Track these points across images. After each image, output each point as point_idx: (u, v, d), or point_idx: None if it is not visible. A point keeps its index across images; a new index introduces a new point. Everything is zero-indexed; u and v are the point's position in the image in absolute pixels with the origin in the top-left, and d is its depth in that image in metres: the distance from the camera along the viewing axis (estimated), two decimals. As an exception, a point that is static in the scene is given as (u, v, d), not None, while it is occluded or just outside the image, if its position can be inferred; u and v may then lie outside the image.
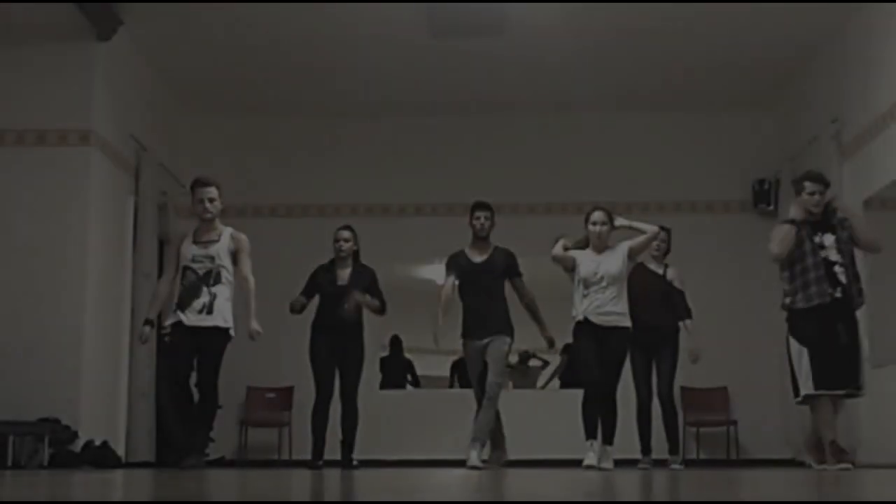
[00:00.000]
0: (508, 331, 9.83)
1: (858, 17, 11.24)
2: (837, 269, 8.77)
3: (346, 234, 10.30)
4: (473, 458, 9.44)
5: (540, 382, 14.88)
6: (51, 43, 11.17)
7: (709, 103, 13.91)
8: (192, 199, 9.21)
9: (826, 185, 8.95)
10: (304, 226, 13.87)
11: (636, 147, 14.03)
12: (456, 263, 10.02)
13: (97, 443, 10.59)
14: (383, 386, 13.98)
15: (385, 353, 14.26)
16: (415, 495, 4.02)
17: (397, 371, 14.54)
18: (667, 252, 10.77)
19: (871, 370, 10.84)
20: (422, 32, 11.82)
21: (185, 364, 9.02)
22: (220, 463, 12.49)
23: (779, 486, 4.84)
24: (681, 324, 10.64)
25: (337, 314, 10.04)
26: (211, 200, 9.10)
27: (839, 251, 8.78)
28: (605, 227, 9.62)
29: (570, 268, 9.67)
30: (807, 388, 8.64)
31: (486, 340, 9.73)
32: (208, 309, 8.98)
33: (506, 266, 9.92)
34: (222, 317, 9.03)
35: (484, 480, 5.77)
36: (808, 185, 8.89)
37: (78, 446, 10.44)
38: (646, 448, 10.58)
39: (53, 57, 11.15)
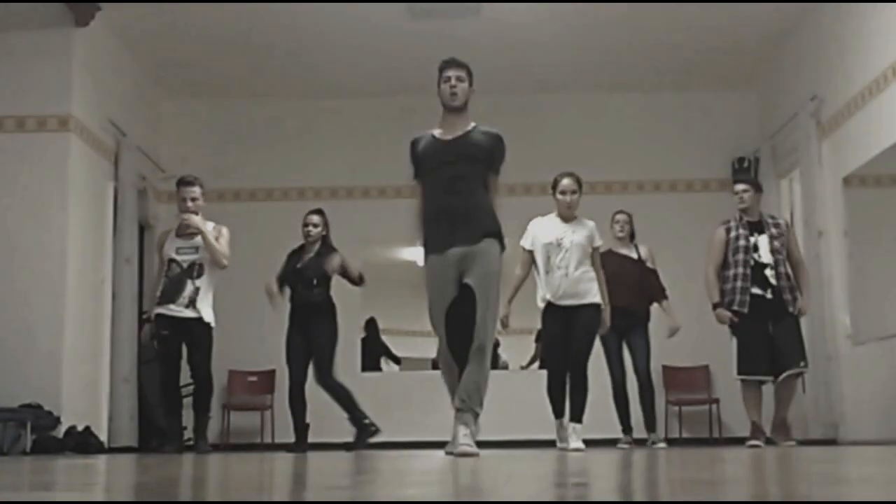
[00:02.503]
0: (497, 234, 7.27)
1: (836, -6, 11.27)
2: (768, 271, 9.41)
3: (315, 218, 10.42)
4: (462, 437, 6.88)
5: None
6: (29, 29, 11.13)
7: (687, 82, 13.92)
8: (177, 196, 9.87)
9: (753, 185, 9.74)
10: (283, 209, 13.85)
11: (615, 127, 14.05)
12: (417, 148, 7.59)
13: (79, 428, 10.59)
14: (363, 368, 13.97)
15: (362, 336, 14.26)
16: (405, 479, 4.03)
17: (375, 353, 14.55)
18: (632, 234, 10.83)
19: (851, 347, 10.94)
20: (399, 14, 11.81)
21: (176, 355, 9.77)
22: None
23: (761, 462, 4.86)
24: (658, 305, 10.74)
25: (301, 296, 10.20)
26: (193, 199, 9.78)
27: (771, 251, 9.40)
28: (574, 196, 9.34)
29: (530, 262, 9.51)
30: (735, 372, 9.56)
31: (461, 250, 7.16)
32: (191, 302, 9.62)
33: (490, 150, 7.37)
34: (205, 311, 9.67)
35: (464, 464, 5.76)
36: (735, 186, 9.76)
37: (60, 432, 10.43)
38: (626, 427, 10.62)
39: (32, 43, 11.11)
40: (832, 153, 11.53)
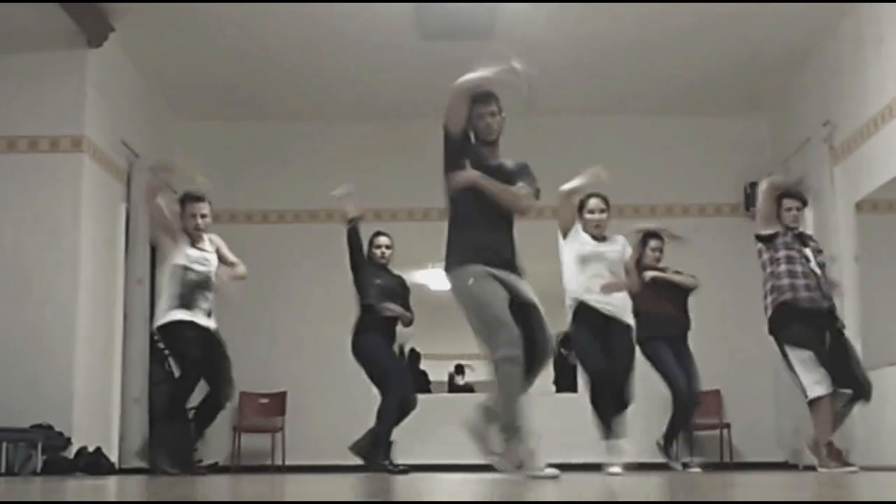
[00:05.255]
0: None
1: (849, 20, 11.26)
2: (822, 281, 8.92)
3: (386, 239, 10.43)
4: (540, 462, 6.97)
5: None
6: (42, 50, 11.17)
7: (700, 107, 13.92)
8: (182, 212, 9.26)
9: (804, 202, 9.19)
10: (295, 231, 13.89)
11: (628, 151, 14.02)
12: (470, 150, 7.41)
13: (90, 449, 10.58)
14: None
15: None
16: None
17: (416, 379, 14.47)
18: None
19: (863, 373, 10.88)
20: (411, 37, 11.82)
21: (201, 363, 9.03)
22: (214, 469, 12.46)
23: (774, 488, 4.84)
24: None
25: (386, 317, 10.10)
26: (203, 216, 9.25)
27: (819, 265, 8.97)
28: (603, 216, 9.26)
29: (569, 222, 9.22)
30: (815, 390, 8.56)
31: (512, 275, 6.99)
32: (208, 314, 9.12)
33: (521, 177, 7.33)
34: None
35: (499, 485, 5.74)
36: (786, 202, 9.02)
37: (71, 453, 10.43)
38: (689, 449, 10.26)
39: (45, 64, 11.15)
40: (844, 178, 11.52)
